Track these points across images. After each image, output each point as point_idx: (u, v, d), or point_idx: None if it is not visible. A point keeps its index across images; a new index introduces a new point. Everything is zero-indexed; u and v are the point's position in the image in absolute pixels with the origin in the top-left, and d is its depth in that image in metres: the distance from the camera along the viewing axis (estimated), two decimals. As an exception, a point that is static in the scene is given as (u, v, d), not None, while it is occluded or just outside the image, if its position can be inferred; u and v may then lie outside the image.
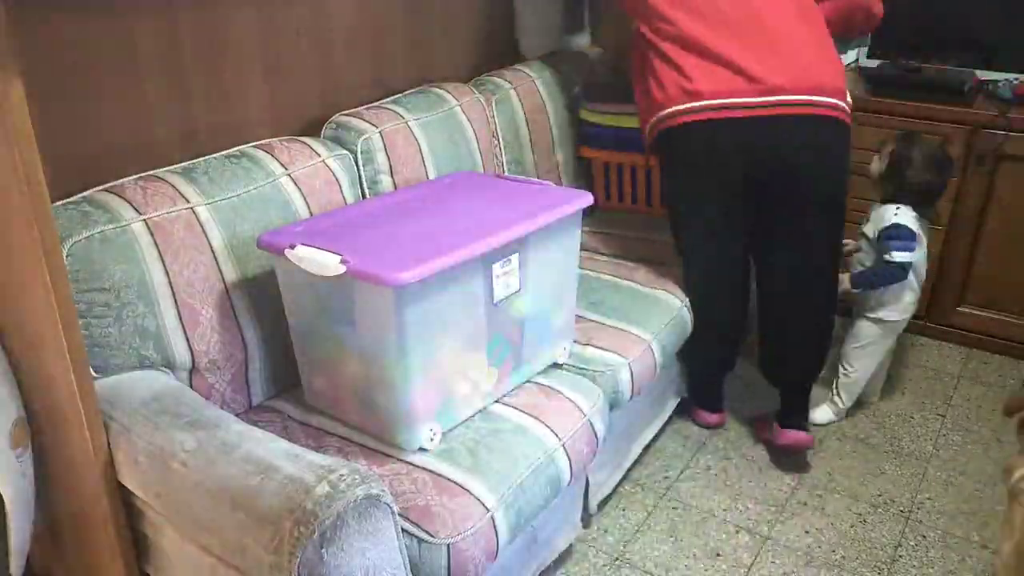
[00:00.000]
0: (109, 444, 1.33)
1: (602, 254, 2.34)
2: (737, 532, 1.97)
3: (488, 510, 1.41)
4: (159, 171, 1.60)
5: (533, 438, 1.57)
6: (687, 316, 2.07)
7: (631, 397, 1.84)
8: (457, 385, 1.56)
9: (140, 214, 1.48)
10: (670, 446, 2.26)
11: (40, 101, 1.41)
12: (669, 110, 1.94)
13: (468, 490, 1.42)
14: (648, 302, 2.03)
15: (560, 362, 1.81)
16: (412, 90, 2.19)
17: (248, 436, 1.32)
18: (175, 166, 1.64)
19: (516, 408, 1.65)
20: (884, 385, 2.53)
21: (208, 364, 1.56)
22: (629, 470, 2.12)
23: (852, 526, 1.99)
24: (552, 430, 1.61)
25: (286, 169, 1.73)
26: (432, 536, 1.35)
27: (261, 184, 1.67)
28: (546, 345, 1.77)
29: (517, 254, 1.59)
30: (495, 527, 1.42)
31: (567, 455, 1.60)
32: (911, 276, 2.18)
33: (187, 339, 1.52)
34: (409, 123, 2.01)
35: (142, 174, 1.58)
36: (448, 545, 1.35)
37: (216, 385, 1.59)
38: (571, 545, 1.89)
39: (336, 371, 1.56)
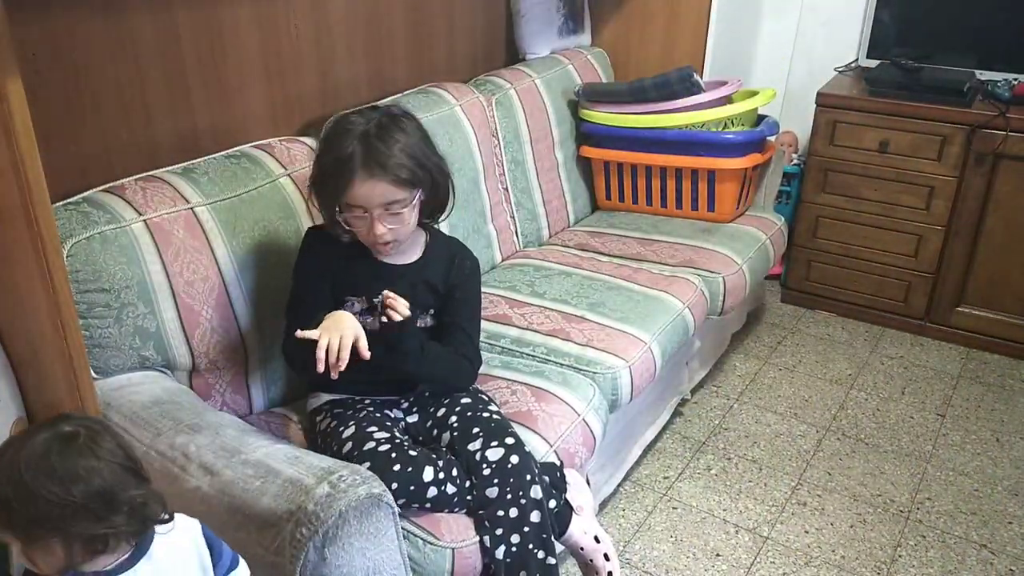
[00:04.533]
0: (109, 445, 1.33)
1: (602, 254, 2.34)
2: (737, 532, 1.97)
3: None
4: (159, 171, 1.60)
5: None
6: (688, 317, 2.07)
7: (631, 399, 1.84)
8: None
9: (140, 214, 1.47)
10: (670, 446, 2.26)
11: (40, 101, 1.41)
12: None
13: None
14: (649, 303, 2.03)
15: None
16: (412, 90, 2.19)
17: (248, 440, 1.32)
18: (175, 166, 1.64)
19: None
20: (884, 385, 2.53)
21: (208, 365, 1.56)
22: (629, 470, 2.12)
23: (852, 526, 1.99)
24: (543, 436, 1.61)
25: (285, 169, 1.72)
26: (437, 539, 1.36)
27: (261, 184, 1.66)
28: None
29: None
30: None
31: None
32: None
33: (187, 340, 1.52)
34: (409, 123, 2.01)
35: (142, 174, 1.58)
36: (452, 550, 1.36)
37: (216, 386, 1.59)
38: (571, 545, 1.89)
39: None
